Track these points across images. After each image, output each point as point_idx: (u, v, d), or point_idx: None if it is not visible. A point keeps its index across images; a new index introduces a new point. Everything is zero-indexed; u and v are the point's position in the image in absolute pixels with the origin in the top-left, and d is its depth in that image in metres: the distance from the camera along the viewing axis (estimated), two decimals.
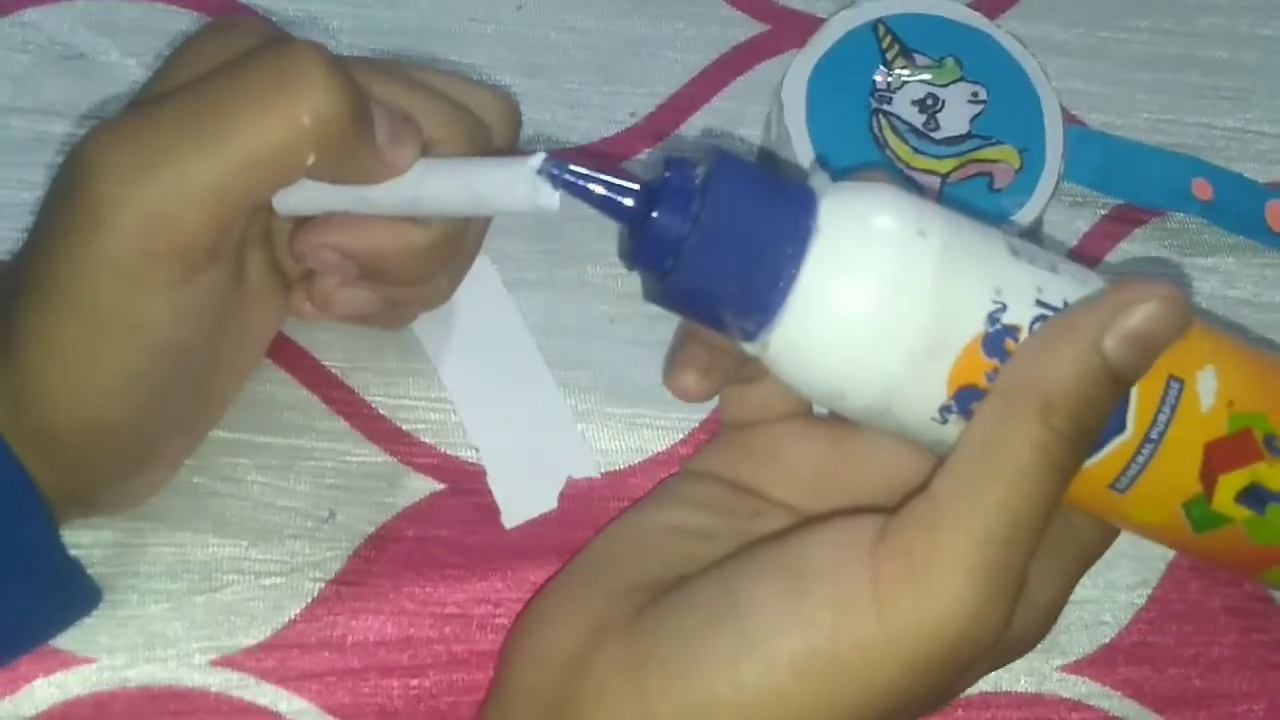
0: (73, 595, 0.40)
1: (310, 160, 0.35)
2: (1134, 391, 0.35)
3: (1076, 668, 0.45)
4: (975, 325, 0.34)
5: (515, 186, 0.35)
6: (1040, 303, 0.34)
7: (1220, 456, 0.35)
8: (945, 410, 0.34)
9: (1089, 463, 0.35)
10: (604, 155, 0.49)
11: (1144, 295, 0.34)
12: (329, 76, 0.34)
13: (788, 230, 0.33)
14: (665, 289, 0.34)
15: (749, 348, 0.35)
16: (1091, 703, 0.45)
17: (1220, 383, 0.35)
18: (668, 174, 0.34)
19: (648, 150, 0.50)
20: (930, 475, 0.35)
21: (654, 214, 0.33)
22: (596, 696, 0.35)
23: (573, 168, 0.34)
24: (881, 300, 0.33)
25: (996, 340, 0.34)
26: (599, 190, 0.34)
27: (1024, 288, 0.34)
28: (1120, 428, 0.35)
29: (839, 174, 0.36)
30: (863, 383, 0.34)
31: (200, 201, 0.34)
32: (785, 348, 0.34)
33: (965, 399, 0.34)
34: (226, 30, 0.38)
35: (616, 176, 0.34)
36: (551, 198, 0.35)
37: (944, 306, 0.34)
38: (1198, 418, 0.35)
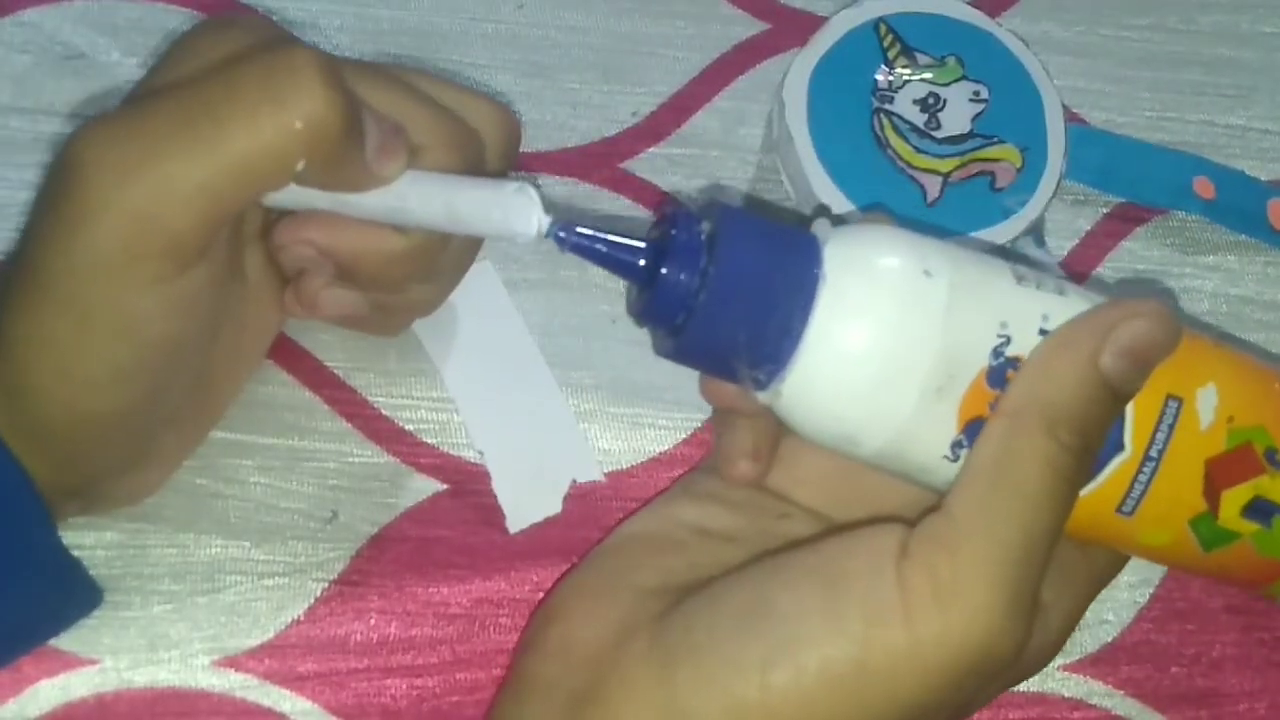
0: (73, 595, 0.40)
1: (300, 167, 0.34)
2: (1131, 412, 0.35)
3: (1079, 666, 0.45)
4: (982, 359, 0.34)
5: (493, 211, 0.36)
6: (1044, 331, 0.35)
7: (1222, 472, 0.36)
8: (957, 446, 0.35)
9: (1094, 486, 0.35)
10: (601, 171, 0.49)
11: (1132, 312, 0.35)
12: (324, 83, 0.34)
13: (795, 279, 0.34)
14: (677, 344, 0.34)
15: (762, 397, 0.35)
16: (1094, 701, 0.45)
17: (1220, 399, 0.36)
18: (674, 231, 0.34)
19: (649, 150, 0.50)
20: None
21: (663, 271, 0.34)
22: (624, 693, 0.36)
23: (580, 229, 0.35)
24: (891, 342, 0.34)
25: (999, 372, 0.34)
26: (607, 251, 0.34)
27: (1029, 317, 0.35)
28: (1119, 447, 0.35)
29: (839, 219, 0.36)
30: (876, 425, 0.34)
31: (188, 202, 0.34)
32: (798, 395, 0.34)
33: (974, 431, 0.35)
34: (225, 28, 0.37)
35: (623, 235, 0.34)
36: (529, 225, 0.35)
37: (952, 344, 0.34)
38: (1197, 435, 0.36)
